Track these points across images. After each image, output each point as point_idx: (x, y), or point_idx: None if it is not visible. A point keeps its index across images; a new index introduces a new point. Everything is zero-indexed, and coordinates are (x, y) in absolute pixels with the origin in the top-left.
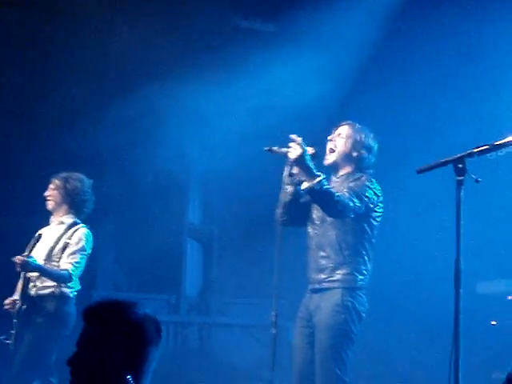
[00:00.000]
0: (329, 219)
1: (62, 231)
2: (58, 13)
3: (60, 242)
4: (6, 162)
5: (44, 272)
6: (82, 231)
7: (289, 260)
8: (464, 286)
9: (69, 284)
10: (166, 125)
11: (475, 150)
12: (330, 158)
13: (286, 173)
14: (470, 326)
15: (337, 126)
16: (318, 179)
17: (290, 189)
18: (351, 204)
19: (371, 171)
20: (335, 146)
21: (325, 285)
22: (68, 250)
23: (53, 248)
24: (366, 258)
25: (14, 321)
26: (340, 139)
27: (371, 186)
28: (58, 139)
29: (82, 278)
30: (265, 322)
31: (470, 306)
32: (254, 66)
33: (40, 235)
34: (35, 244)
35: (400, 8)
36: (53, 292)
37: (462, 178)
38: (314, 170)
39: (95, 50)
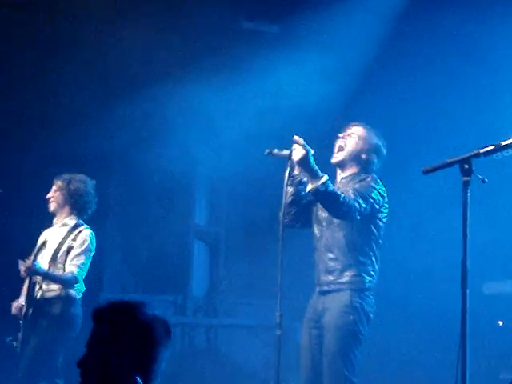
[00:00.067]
0: (335, 220)
1: (65, 233)
2: (59, 13)
3: (64, 245)
4: (6, 161)
5: (49, 277)
6: (86, 232)
7: (294, 261)
8: (470, 286)
9: (75, 286)
10: (171, 126)
11: (481, 151)
12: (338, 156)
13: (286, 174)
14: (476, 326)
15: (349, 124)
16: (322, 180)
17: (290, 190)
18: (356, 205)
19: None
20: (345, 145)
21: (333, 287)
22: (73, 252)
23: (57, 251)
24: (373, 258)
25: (21, 323)
26: (351, 138)
27: (376, 187)
28: (62, 140)
29: (88, 280)
30: (271, 323)
31: (477, 306)
32: (258, 68)
33: (45, 242)
34: (40, 249)
35: (404, 9)
36: (59, 294)
37: (468, 178)
38: (319, 171)
39: (96, 51)
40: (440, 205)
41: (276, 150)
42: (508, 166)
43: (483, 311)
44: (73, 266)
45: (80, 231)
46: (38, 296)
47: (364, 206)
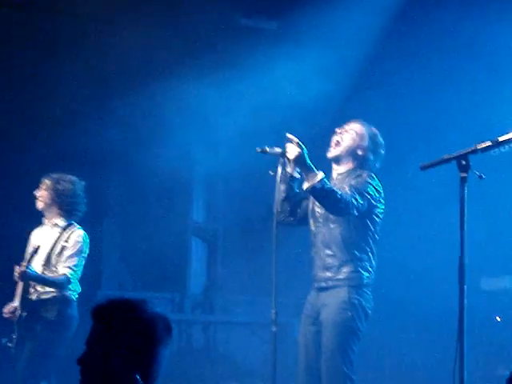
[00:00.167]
0: (332, 217)
1: (57, 234)
2: (59, 13)
3: (57, 246)
4: (6, 161)
5: (43, 281)
6: (79, 233)
7: (291, 257)
8: (469, 282)
9: (69, 287)
10: (169, 124)
11: (479, 147)
12: (334, 151)
13: (278, 171)
14: (474, 322)
15: (349, 121)
16: (319, 178)
17: (283, 187)
18: (354, 201)
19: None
20: (342, 140)
21: (331, 283)
22: (65, 254)
23: (50, 253)
24: (370, 254)
25: (15, 326)
26: (348, 134)
27: (372, 183)
28: (60, 140)
29: (87, 278)
30: (269, 320)
31: (475, 302)
32: (256, 65)
33: (38, 247)
34: (33, 255)
35: (402, 7)
36: (55, 296)
37: (465, 174)
38: (315, 169)
39: (96, 51)
40: (437, 201)
41: (268, 148)
42: (505, 162)
43: (481, 307)
44: (66, 268)
45: (72, 232)
46: (34, 298)
47: (361, 202)
